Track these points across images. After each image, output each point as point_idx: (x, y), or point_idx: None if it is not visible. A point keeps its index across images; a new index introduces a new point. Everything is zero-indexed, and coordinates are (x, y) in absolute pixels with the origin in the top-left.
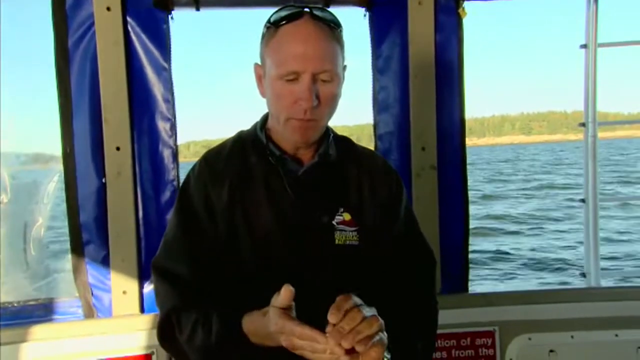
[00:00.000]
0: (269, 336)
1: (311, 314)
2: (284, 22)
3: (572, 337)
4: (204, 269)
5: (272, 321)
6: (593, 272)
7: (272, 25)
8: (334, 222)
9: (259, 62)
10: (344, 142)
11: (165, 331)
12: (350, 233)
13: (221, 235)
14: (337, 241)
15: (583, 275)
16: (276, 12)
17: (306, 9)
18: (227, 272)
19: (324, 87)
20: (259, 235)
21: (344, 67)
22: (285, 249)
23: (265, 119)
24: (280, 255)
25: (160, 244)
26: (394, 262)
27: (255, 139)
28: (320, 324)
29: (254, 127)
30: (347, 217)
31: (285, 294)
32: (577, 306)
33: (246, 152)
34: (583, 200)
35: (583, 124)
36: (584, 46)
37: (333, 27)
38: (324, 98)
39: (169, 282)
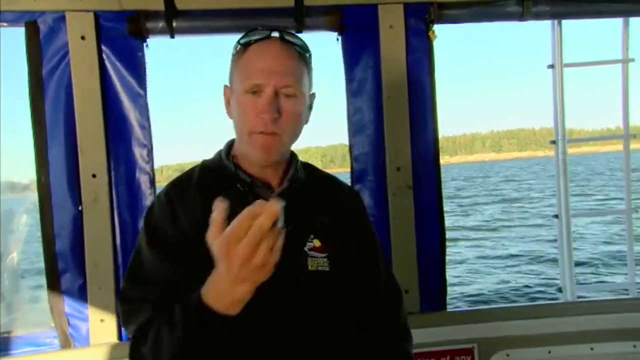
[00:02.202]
0: (223, 282)
1: (286, 340)
2: (252, 43)
3: (549, 352)
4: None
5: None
6: (569, 287)
7: (242, 46)
8: (305, 249)
9: (228, 85)
10: (309, 168)
11: (134, 352)
12: (321, 259)
13: (191, 260)
14: (309, 267)
15: (559, 290)
16: (246, 34)
17: (275, 33)
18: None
19: (286, 102)
20: None
21: (313, 95)
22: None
23: (229, 145)
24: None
25: (127, 273)
26: (364, 294)
27: (222, 167)
28: (296, 351)
29: (218, 155)
30: (317, 243)
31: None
32: (554, 321)
33: (213, 180)
34: (556, 216)
35: (554, 142)
36: (551, 66)
37: (301, 51)
38: (286, 112)
39: (144, 311)
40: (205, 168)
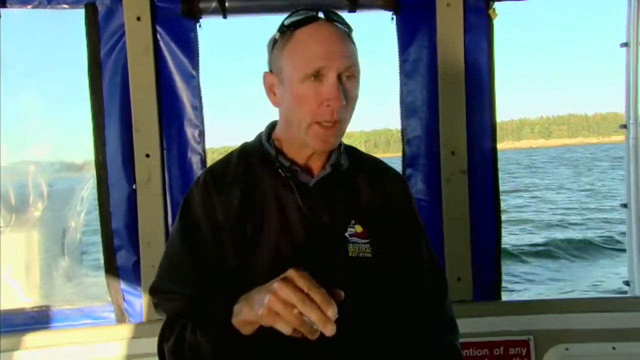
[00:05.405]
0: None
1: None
2: (300, 25)
3: (613, 348)
4: (211, 288)
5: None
6: (637, 280)
7: (287, 30)
8: (346, 235)
9: (268, 71)
10: (352, 152)
11: (159, 342)
12: (363, 245)
13: (227, 250)
14: (350, 254)
15: (627, 283)
16: (289, 16)
17: (320, 12)
18: (237, 289)
19: (349, 86)
20: (270, 248)
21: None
22: (297, 262)
23: (270, 128)
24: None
25: (160, 264)
26: (408, 281)
27: (263, 151)
28: (335, 340)
29: (259, 138)
30: (359, 229)
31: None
32: (620, 316)
33: (253, 164)
34: (625, 205)
35: (624, 126)
36: (625, 44)
37: (347, 29)
38: (350, 97)
39: (174, 301)
40: (245, 152)
